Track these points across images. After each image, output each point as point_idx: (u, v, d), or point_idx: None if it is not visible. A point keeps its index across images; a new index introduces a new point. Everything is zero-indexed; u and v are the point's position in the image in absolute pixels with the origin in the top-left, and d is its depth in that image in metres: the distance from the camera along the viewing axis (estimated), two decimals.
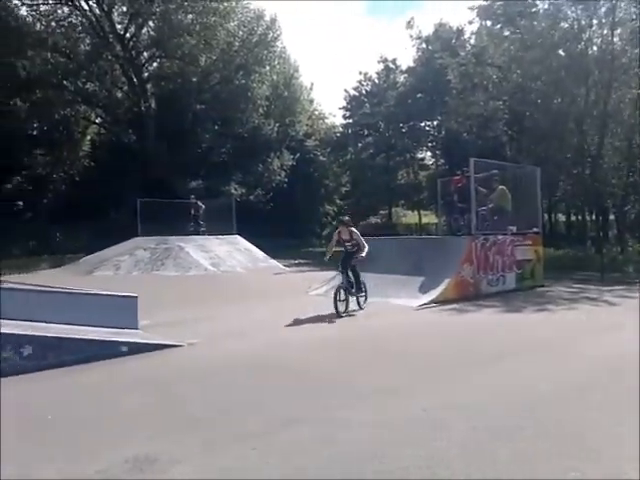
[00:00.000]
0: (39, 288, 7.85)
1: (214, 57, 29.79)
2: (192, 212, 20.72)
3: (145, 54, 30.59)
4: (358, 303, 9.39)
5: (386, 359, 6.01)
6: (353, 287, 9.21)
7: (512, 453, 3.40)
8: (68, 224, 25.15)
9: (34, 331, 5.96)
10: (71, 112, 29.05)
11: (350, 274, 9.19)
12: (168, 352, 6.35)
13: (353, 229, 9.31)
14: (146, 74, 31.02)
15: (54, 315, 6.77)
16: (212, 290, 13.14)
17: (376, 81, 39.93)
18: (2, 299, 6.80)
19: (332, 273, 13.08)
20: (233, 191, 30.02)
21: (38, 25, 27.77)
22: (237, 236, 21.38)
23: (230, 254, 19.69)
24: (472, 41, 30.03)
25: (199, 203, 21.03)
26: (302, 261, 23.03)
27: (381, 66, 39.81)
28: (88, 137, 30.85)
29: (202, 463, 3.35)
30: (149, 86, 31.05)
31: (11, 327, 5.95)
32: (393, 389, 4.80)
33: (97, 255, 18.79)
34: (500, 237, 11.94)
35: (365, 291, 9.53)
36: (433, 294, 10.06)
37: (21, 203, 26.64)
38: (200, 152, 31.60)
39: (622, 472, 3.17)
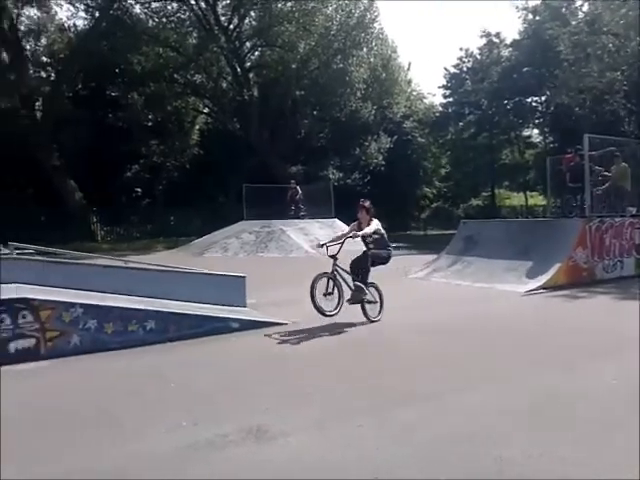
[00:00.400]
0: (157, 267, 8.54)
1: (312, 43, 29.99)
2: (289, 196, 21.31)
3: (247, 44, 31.57)
4: (364, 311, 7.00)
5: (495, 345, 5.88)
6: (355, 283, 6.80)
7: (624, 449, 3.23)
8: (181, 209, 27.01)
9: (156, 307, 6.51)
10: (181, 103, 30.95)
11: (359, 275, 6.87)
12: (274, 329, 6.67)
13: (375, 220, 7.10)
14: (248, 64, 32.06)
15: (171, 292, 7.31)
16: (313, 272, 13.36)
17: (478, 57, 38.17)
18: (128, 277, 7.50)
19: (432, 256, 12.95)
20: (331, 175, 30.40)
21: (150, 22, 29.74)
22: (335, 219, 21.66)
23: (329, 237, 19.95)
24: (585, 8, 27.68)
25: (297, 188, 21.57)
26: (400, 244, 22.79)
27: (483, 41, 37.99)
28: (197, 126, 32.53)
29: (309, 437, 3.49)
30: (251, 75, 32.11)
31: (135, 302, 6.53)
32: (507, 376, 4.71)
33: (207, 238, 20.04)
34: (618, 219, 11.07)
35: (380, 300, 7.22)
36: (542, 279, 9.58)
37: (140, 190, 29.10)
38: (299, 138, 32.26)
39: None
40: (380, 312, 7.19)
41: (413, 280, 11.18)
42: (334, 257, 6.87)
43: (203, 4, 28.99)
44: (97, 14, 27.98)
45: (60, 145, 26.26)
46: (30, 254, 8.10)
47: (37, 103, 27.23)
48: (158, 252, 19.86)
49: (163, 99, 29.38)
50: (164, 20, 29.39)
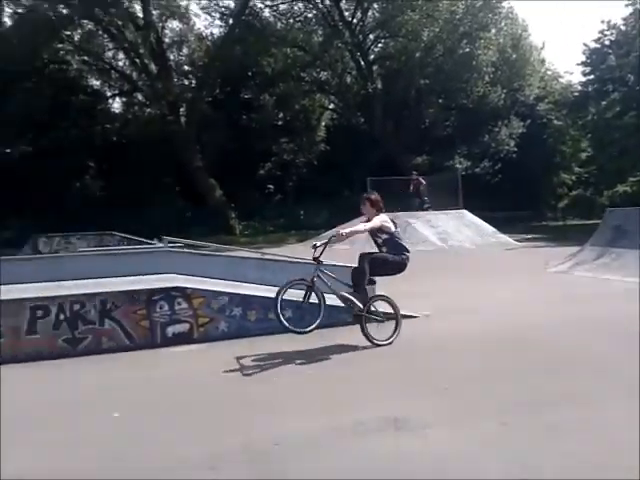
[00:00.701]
0: (291, 259, 8.97)
1: (437, 29, 29.32)
2: (412, 188, 21.06)
3: (371, 37, 31.79)
4: (363, 330, 5.56)
5: None
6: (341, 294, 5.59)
7: None
8: (309, 203, 28.12)
9: (292, 296, 6.84)
10: (308, 101, 32.04)
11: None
12: (404, 322, 6.66)
13: (382, 215, 5.81)
14: (372, 56, 32.27)
15: None
16: (441, 265, 13.22)
17: (623, 28, 34.38)
18: (265, 268, 7.94)
19: (574, 248, 12.04)
20: (458, 165, 29.53)
21: (278, 24, 31.11)
22: (464, 210, 21.02)
23: (458, 229, 19.50)
24: None
25: (420, 179, 21.25)
26: (536, 236, 21.55)
27: (629, 10, 34.05)
28: (323, 123, 33.46)
29: (449, 431, 3.44)
30: (375, 67, 32.28)
31: (273, 292, 6.93)
32: None
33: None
34: None
35: (396, 317, 5.82)
36: None
37: (272, 186, 30.79)
38: (424, 127, 31.77)
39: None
40: (395, 333, 5.68)
41: (554, 274, 10.48)
42: (317, 260, 5.58)
43: (328, 1, 29.64)
44: (231, 21, 29.93)
45: (202, 146, 28.65)
46: (181, 246, 8.94)
47: (181, 109, 29.83)
48: (290, 245, 20.75)
49: (291, 98, 30.67)
50: (291, 21, 30.62)
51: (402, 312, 6.92)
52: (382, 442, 3.31)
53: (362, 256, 5.63)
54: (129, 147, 28.20)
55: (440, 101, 32.37)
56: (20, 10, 27.00)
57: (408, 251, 5.79)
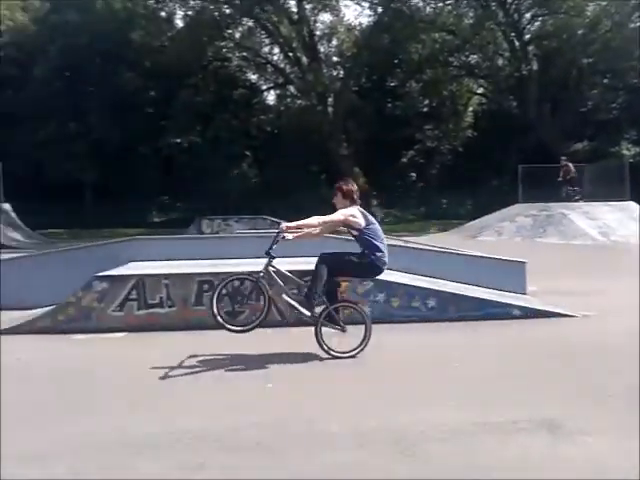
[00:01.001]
0: (434, 248, 8.88)
1: (604, 3, 26.70)
2: (561, 175, 19.50)
3: (527, 15, 29.83)
4: (318, 339, 4.92)
5: None
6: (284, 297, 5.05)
7: None
8: (453, 192, 27.44)
9: (436, 286, 6.80)
10: (456, 86, 31.05)
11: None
12: (560, 321, 6.25)
13: (351, 208, 4.99)
14: (527, 36, 30.30)
15: (448, 273, 7.50)
16: (602, 261, 12.19)
17: None
18: (408, 256, 7.97)
19: None
20: (625, 151, 26.68)
21: (427, 9, 30.44)
22: (631, 202, 18.99)
23: (623, 223, 17.69)
24: None
25: (570, 165, 19.55)
26: None
27: None
28: (470, 109, 32.26)
29: (613, 442, 3.18)
30: (530, 48, 30.33)
31: (417, 280, 6.93)
32: None
33: (480, 221, 19.87)
34: None
35: (365, 328, 4.97)
36: None
37: (414, 174, 30.55)
38: (585, 111, 29.20)
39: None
40: (361, 345, 4.93)
41: None
42: (268, 254, 4.95)
43: None
44: (380, 9, 29.96)
45: (347, 135, 29.32)
46: None
47: (329, 99, 30.72)
48: (431, 234, 20.48)
49: (438, 84, 30.07)
50: (440, 4, 29.76)
51: (556, 310, 6.52)
52: (534, 443, 3.18)
53: (320, 257, 4.98)
54: (281, 137, 29.92)
55: (605, 81, 29.50)
56: (190, 12, 29.82)
57: (381, 251, 4.91)
